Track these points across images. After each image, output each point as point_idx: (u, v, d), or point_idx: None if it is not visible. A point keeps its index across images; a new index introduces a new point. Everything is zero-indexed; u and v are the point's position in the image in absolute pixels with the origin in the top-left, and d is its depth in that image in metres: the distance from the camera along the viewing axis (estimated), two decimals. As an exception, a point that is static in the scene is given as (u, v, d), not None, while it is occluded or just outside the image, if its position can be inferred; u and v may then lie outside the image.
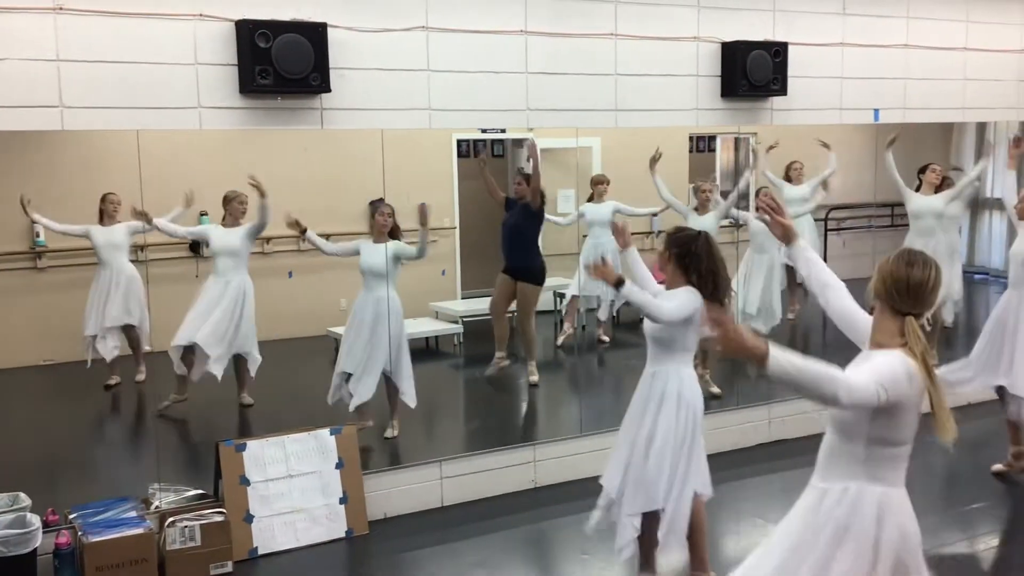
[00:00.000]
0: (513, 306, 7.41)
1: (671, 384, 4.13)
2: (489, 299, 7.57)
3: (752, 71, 5.91)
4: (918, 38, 6.67)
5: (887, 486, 2.81)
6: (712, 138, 9.63)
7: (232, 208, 6.46)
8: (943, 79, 6.83)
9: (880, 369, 2.68)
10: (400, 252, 6.02)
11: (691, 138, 9.26)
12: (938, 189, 7.83)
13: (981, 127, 10.15)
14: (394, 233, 6.10)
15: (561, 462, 5.86)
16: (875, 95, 6.60)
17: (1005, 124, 9.89)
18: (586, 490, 4.65)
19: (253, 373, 6.40)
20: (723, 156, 9.96)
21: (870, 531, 2.78)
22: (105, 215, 6.61)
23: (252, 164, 7.06)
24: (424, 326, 8.23)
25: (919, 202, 7.54)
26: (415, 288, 7.87)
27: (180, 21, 4.59)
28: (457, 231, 8.45)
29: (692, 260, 4.05)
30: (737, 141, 9.59)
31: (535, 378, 7.23)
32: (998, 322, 5.75)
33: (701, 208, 7.37)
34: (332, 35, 4.82)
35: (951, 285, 7.67)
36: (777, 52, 6.00)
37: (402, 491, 5.45)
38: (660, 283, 4.32)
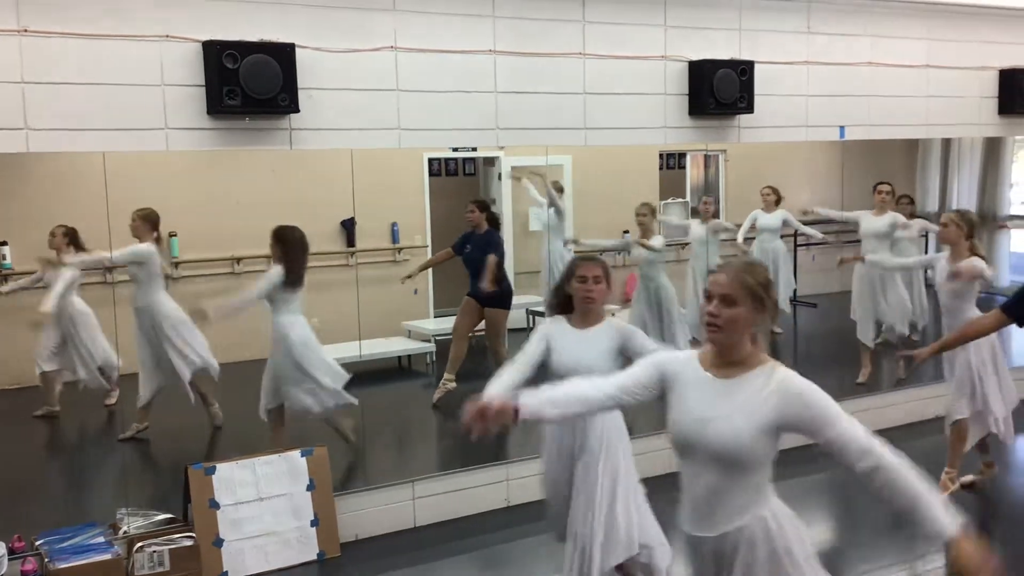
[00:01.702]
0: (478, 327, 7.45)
1: (604, 421, 3.90)
2: (446, 319, 7.62)
3: (719, 89, 5.97)
4: (881, 56, 6.75)
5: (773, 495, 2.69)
6: (682, 155, 9.71)
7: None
8: (906, 96, 6.92)
9: (834, 408, 2.56)
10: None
11: (661, 155, 9.34)
12: (900, 200, 7.92)
13: (946, 142, 10.32)
14: (285, 257, 5.87)
15: (534, 481, 5.84)
16: (840, 112, 6.67)
17: (970, 140, 10.07)
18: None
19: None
20: (693, 173, 10.05)
21: (805, 539, 2.68)
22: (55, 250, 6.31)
23: (221, 185, 7.05)
24: (396, 345, 8.22)
25: (864, 224, 7.58)
26: (387, 307, 7.88)
27: (146, 42, 4.57)
28: (429, 250, 8.45)
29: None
30: (707, 158, 9.68)
31: None
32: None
33: (704, 217, 8.19)
34: (300, 55, 4.81)
35: (903, 305, 7.72)
36: (743, 71, 6.06)
37: (374, 512, 5.42)
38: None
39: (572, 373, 3.47)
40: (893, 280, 7.63)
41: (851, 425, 2.50)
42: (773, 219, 8.43)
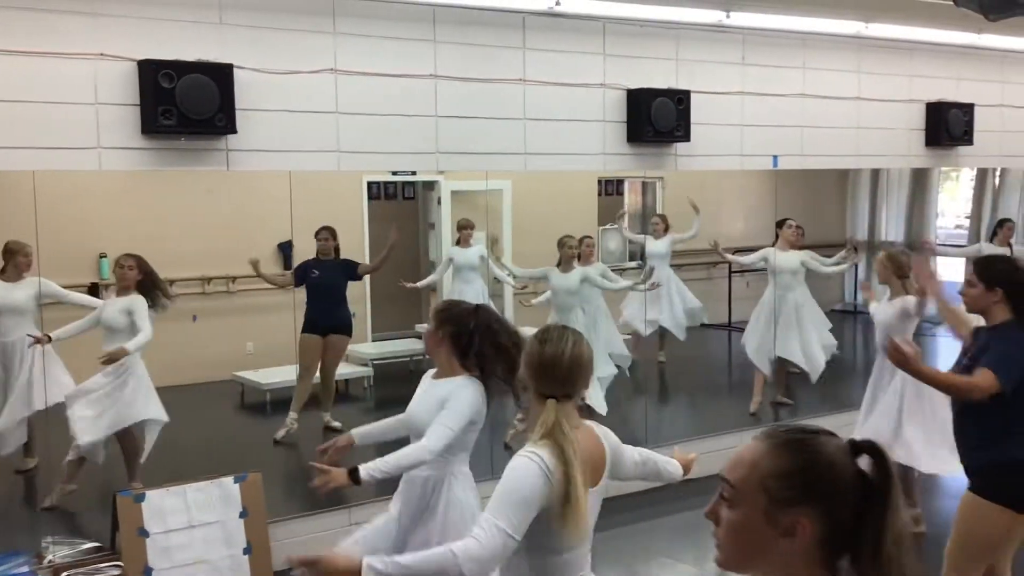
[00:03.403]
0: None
1: (453, 491, 3.49)
2: (391, 343, 7.53)
3: (656, 118, 6.06)
4: (813, 88, 6.93)
5: None
6: (620, 182, 9.84)
7: (16, 261, 5.92)
8: (838, 127, 7.10)
9: (504, 497, 2.43)
10: (131, 308, 5.64)
11: (600, 182, 9.45)
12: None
13: (875, 173, 10.62)
14: (144, 286, 5.73)
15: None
16: (774, 142, 6.82)
17: (898, 171, 10.37)
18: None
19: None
20: (631, 199, 10.18)
21: None
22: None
23: (154, 206, 6.93)
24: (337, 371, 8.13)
25: (778, 260, 7.70)
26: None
27: (80, 60, 4.49)
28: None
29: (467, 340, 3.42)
30: (644, 185, 9.82)
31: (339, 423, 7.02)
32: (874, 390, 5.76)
33: (656, 235, 8.45)
34: (239, 76, 4.77)
35: (809, 343, 7.79)
36: (680, 100, 6.17)
37: (310, 539, 5.32)
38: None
39: (407, 422, 3.53)
40: (800, 318, 7.71)
41: (485, 525, 2.41)
42: (661, 245, 8.61)
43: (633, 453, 2.97)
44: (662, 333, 8.91)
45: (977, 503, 3.69)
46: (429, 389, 3.51)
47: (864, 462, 1.50)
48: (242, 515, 5.07)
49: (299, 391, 6.95)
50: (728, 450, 6.57)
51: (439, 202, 8.77)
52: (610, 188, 9.87)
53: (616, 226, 9.46)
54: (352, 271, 7.13)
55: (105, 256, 6.87)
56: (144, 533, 4.80)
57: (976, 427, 3.67)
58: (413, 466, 3.40)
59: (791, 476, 1.48)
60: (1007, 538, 3.75)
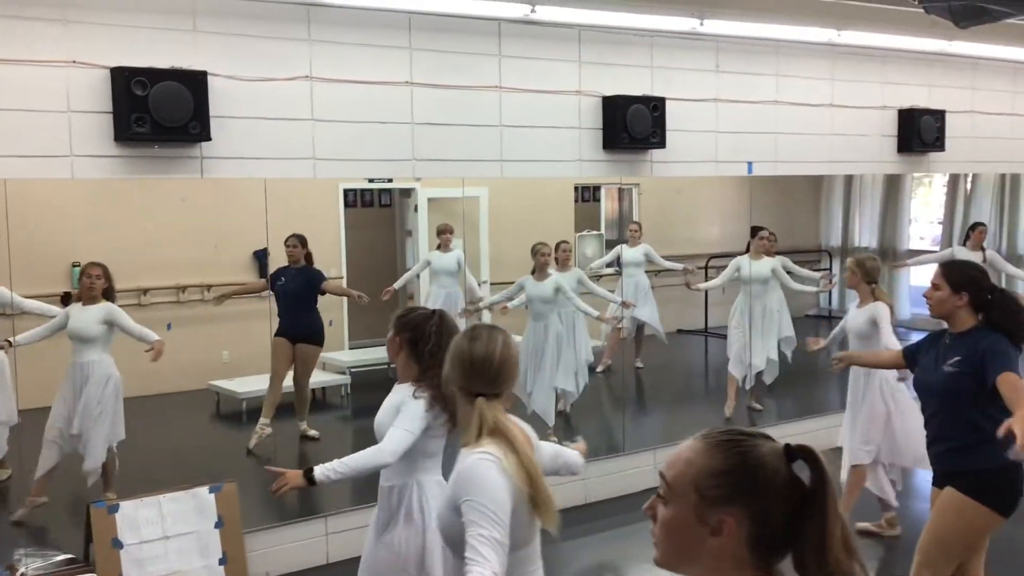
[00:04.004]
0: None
1: (414, 500, 3.41)
2: (368, 350, 7.46)
3: (632, 124, 6.09)
4: (787, 95, 6.98)
5: None
6: (596, 188, 9.86)
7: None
8: (811, 134, 7.16)
9: (485, 506, 2.36)
10: (111, 318, 5.64)
11: (576, 188, 9.47)
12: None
13: (848, 179, 10.70)
14: (108, 294, 5.70)
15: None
16: (748, 148, 6.86)
17: (871, 177, 10.45)
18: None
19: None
20: (607, 206, 10.21)
21: None
22: None
23: (128, 214, 6.88)
24: (311, 377, 8.08)
25: (750, 269, 7.76)
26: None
27: (52, 68, 4.45)
28: (344, 281, 8.37)
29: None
30: (621, 191, 9.86)
31: (315, 432, 7.06)
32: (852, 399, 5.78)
33: (632, 242, 8.41)
34: (213, 83, 4.75)
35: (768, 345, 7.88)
36: (655, 107, 6.20)
37: (286, 549, 5.30)
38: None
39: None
40: (771, 316, 7.79)
41: (484, 542, 2.32)
42: (636, 253, 8.64)
43: (548, 448, 3.02)
44: (638, 339, 8.94)
45: (963, 503, 3.71)
46: (391, 395, 3.51)
47: (800, 467, 1.51)
48: (217, 525, 5.03)
49: (269, 397, 6.88)
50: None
51: (416, 209, 8.76)
52: (587, 195, 9.90)
53: (590, 233, 9.48)
54: (319, 282, 7.05)
55: (78, 265, 6.80)
56: (118, 544, 4.76)
57: (963, 430, 3.68)
58: (370, 469, 3.35)
59: (721, 475, 1.49)
60: (984, 539, 3.80)
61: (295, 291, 6.88)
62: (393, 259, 9.01)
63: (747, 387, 7.78)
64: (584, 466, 3.24)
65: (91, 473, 5.66)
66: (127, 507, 4.85)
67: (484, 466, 2.43)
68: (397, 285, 8.05)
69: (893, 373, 5.29)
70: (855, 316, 5.60)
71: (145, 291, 7.26)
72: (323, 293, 7.06)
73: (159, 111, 4.53)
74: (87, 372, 5.64)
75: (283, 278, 6.96)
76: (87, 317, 5.64)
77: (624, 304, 7.76)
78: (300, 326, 6.94)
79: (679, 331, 9.88)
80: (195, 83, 4.66)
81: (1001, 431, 3.27)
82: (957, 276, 3.80)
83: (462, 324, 7.79)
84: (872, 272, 5.53)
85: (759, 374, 7.85)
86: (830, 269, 10.42)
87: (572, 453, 3.18)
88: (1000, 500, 3.69)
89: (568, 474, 3.19)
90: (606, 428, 7.78)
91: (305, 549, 5.37)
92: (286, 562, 5.29)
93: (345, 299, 7.83)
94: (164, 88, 4.55)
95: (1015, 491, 3.74)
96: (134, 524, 4.83)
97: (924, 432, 4.00)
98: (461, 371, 2.61)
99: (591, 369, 7.96)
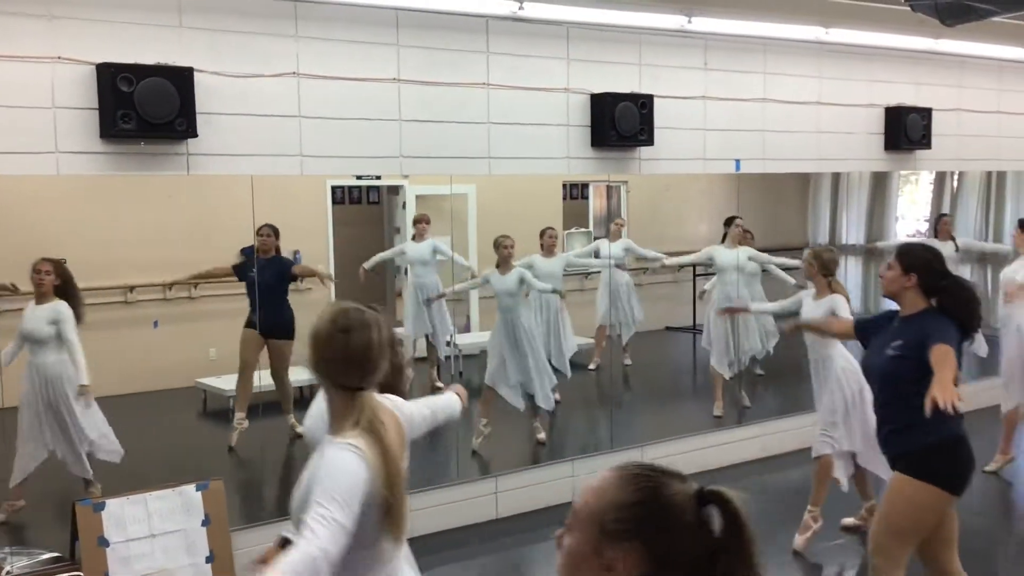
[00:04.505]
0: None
1: None
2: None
3: (620, 122, 6.09)
4: (774, 92, 7.00)
5: None
6: (585, 186, 9.87)
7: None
8: (799, 131, 7.18)
9: (332, 491, 2.23)
10: (55, 318, 5.44)
11: (564, 185, 9.47)
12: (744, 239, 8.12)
13: (836, 176, 10.74)
14: (64, 292, 5.51)
15: (440, 511, 5.80)
16: (736, 146, 6.88)
17: (858, 175, 10.50)
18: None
19: None
20: (596, 203, 10.22)
21: None
22: None
23: (114, 211, 6.85)
24: (296, 375, 8.06)
25: (723, 256, 7.74)
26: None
27: (37, 64, 4.42)
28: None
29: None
30: (609, 188, 9.86)
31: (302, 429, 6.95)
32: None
33: (613, 237, 8.36)
34: (199, 79, 4.73)
35: (752, 337, 7.91)
36: (643, 104, 6.20)
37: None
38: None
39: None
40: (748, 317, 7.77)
41: (318, 520, 2.20)
42: (616, 248, 8.63)
43: (422, 409, 2.85)
44: (620, 335, 8.94)
45: (908, 484, 3.71)
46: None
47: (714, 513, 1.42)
48: (204, 523, 5.01)
49: (240, 391, 6.77)
50: (694, 452, 6.64)
51: (404, 206, 8.75)
52: (575, 192, 9.90)
53: (579, 230, 9.49)
54: (287, 268, 6.92)
55: (64, 262, 6.77)
56: (104, 542, 4.73)
57: (905, 412, 3.66)
58: None
59: (624, 508, 1.41)
60: (936, 521, 3.77)
61: (266, 282, 6.69)
62: (381, 257, 8.99)
63: (741, 378, 7.79)
64: (462, 409, 3.10)
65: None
66: (113, 505, 4.83)
67: (344, 454, 2.29)
68: (367, 265, 7.97)
69: (854, 364, 5.31)
70: (812, 309, 5.52)
71: (132, 288, 7.23)
72: (295, 278, 6.92)
73: (145, 107, 4.51)
74: (43, 374, 5.47)
75: (254, 269, 6.74)
76: (37, 316, 5.44)
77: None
78: (271, 319, 6.77)
79: (667, 328, 9.91)
80: (181, 79, 4.64)
81: (928, 408, 3.29)
82: (909, 257, 3.83)
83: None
84: (829, 264, 5.48)
85: (750, 362, 7.85)
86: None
87: (443, 398, 3.03)
88: (944, 477, 3.68)
89: (447, 419, 3.03)
90: (594, 425, 7.79)
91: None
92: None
93: (333, 297, 7.81)
94: (150, 84, 4.53)
95: (960, 467, 3.73)
96: (120, 522, 4.81)
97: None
98: (335, 365, 2.38)
99: (584, 367, 7.97)
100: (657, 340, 9.23)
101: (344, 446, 2.31)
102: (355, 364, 2.37)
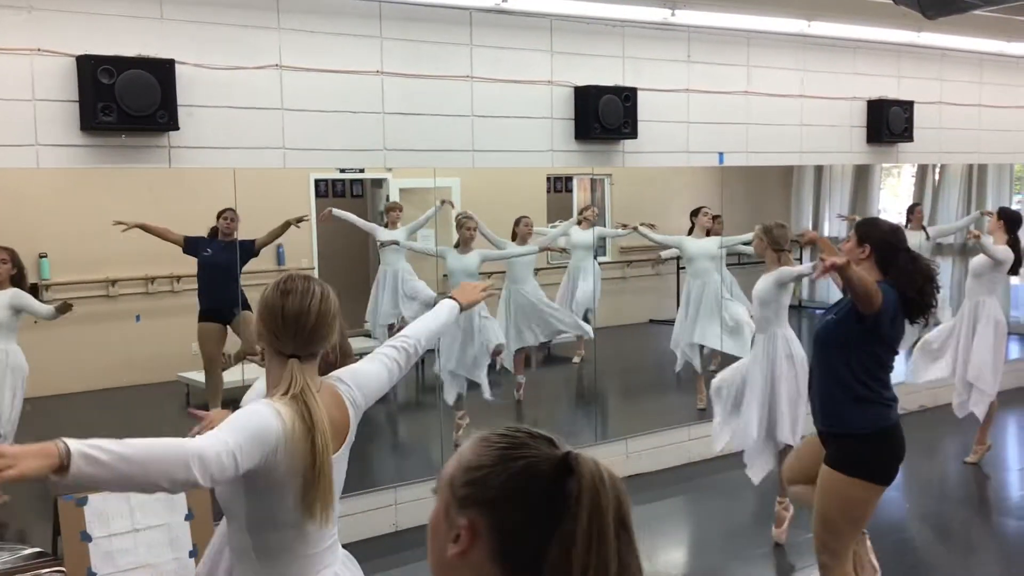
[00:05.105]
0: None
1: None
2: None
3: (604, 115, 6.09)
4: (758, 85, 7.01)
5: None
6: (569, 179, 9.86)
7: None
8: (782, 124, 7.20)
9: (236, 424, 2.16)
10: (18, 303, 5.48)
11: (548, 179, 9.46)
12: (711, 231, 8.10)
13: (818, 169, 10.79)
14: (18, 281, 5.54)
15: (427, 504, 5.80)
16: (719, 139, 6.89)
17: (840, 167, 10.54)
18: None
19: None
20: (580, 196, 10.22)
21: None
22: None
23: (95, 204, 6.80)
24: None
25: (692, 246, 7.74)
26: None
27: (16, 56, 4.39)
28: (316, 271, 8.32)
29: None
30: (593, 182, 9.86)
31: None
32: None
33: (584, 224, 8.27)
34: (180, 72, 4.70)
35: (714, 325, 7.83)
36: (627, 97, 6.21)
37: (257, 541, 5.27)
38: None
39: None
40: (716, 299, 7.72)
41: (212, 433, 2.16)
42: (586, 236, 8.55)
43: (383, 362, 2.66)
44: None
45: (837, 479, 3.72)
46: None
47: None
48: (188, 517, 4.99)
49: (211, 385, 6.65)
50: (678, 444, 6.64)
51: (387, 199, 8.72)
52: (559, 185, 9.89)
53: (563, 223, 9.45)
54: (249, 247, 6.71)
55: (45, 256, 6.72)
56: (87, 537, 4.71)
57: (835, 386, 3.68)
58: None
59: (473, 470, 1.29)
60: (870, 512, 3.81)
61: (222, 264, 6.48)
62: (365, 250, 8.96)
63: (699, 370, 7.76)
64: (457, 312, 2.96)
65: None
66: (96, 500, 4.81)
67: (259, 407, 2.23)
68: (338, 213, 7.79)
69: (800, 351, 5.33)
70: (761, 281, 5.46)
71: (113, 282, 7.18)
72: (258, 252, 6.71)
73: (126, 100, 4.48)
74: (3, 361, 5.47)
75: (209, 249, 6.58)
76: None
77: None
78: (225, 304, 6.57)
79: (651, 321, 9.92)
80: (162, 71, 4.61)
81: (815, 274, 3.44)
82: (865, 229, 3.86)
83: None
84: (779, 239, 5.38)
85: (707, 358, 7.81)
86: (800, 259, 10.43)
87: (427, 316, 2.91)
88: (870, 470, 3.70)
89: (440, 331, 2.93)
90: (577, 418, 7.81)
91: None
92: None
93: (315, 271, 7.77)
94: (131, 76, 4.50)
95: (888, 457, 3.75)
96: (103, 517, 4.79)
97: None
98: (272, 329, 2.32)
99: (567, 360, 7.98)
100: (641, 333, 9.24)
101: (263, 403, 2.26)
102: (288, 329, 2.31)
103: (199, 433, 2.45)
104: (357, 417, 2.51)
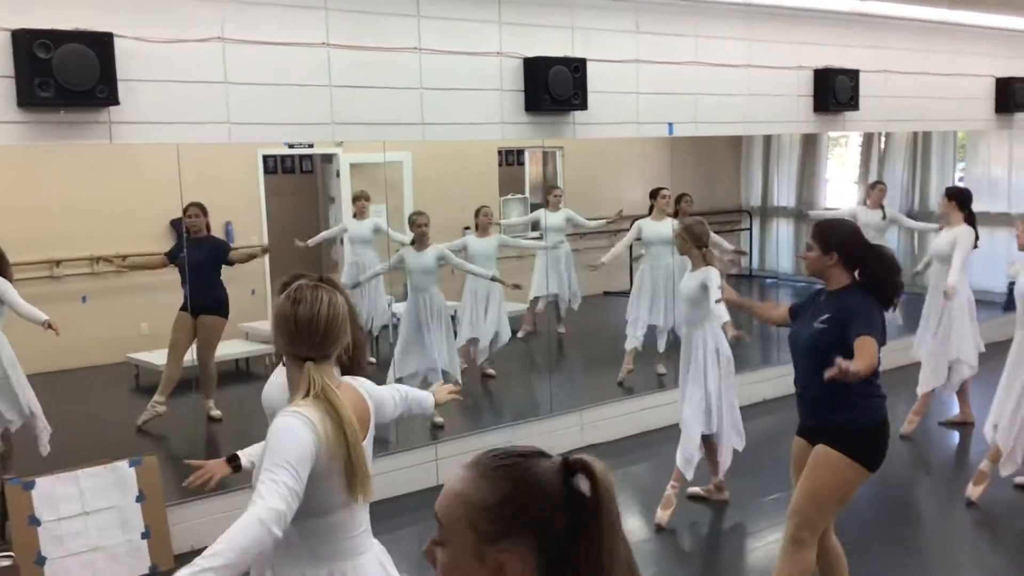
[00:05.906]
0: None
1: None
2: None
3: (554, 86, 6.06)
4: (705, 55, 7.02)
5: (339, 560, 2.57)
6: (520, 152, 9.85)
7: None
8: (729, 94, 7.23)
9: (280, 455, 2.37)
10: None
11: (500, 152, 9.44)
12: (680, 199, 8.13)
13: (767, 139, 10.89)
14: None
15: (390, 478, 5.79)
16: (669, 109, 6.90)
17: (788, 137, 10.64)
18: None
19: None
20: (532, 169, 10.21)
21: None
22: None
23: (34, 183, 6.65)
24: (234, 347, 7.96)
25: (651, 229, 7.82)
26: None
27: (-54, 29, 4.25)
28: (267, 240, 8.22)
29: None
30: (545, 154, 9.86)
31: (218, 412, 6.79)
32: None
33: (552, 208, 8.42)
34: (120, 45, 4.58)
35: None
36: (577, 68, 6.18)
37: (210, 521, 5.21)
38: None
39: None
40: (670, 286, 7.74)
41: (265, 483, 2.35)
42: (557, 218, 8.59)
43: (393, 393, 3.01)
44: (557, 304, 8.98)
45: (837, 459, 3.79)
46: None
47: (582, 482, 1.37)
48: (139, 499, 4.94)
49: (167, 372, 6.59)
50: (635, 413, 6.69)
51: (338, 175, 8.64)
52: (511, 158, 9.88)
53: (515, 197, 9.48)
54: (224, 254, 6.75)
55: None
56: (35, 521, 4.64)
57: (831, 386, 3.65)
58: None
59: (497, 507, 1.33)
60: (852, 495, 3.92)
61: (198, 262, 6.48)
62: (316, 226, 8.87)
63: (660, 349, 7.83)
64: (433, 406, 3.23)
65: None
66: (43, 484, 4.73)
67: (289, 420, 2.43)
68: (311, 242, 7.93)
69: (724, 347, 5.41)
70: (687, 280, 5.46)
71: (58, 263, 7.04)
72: (231, 263, 6.73)
73: (64, 75, 4.36)
74: None
75: (183, 250, 6.54)
76: None
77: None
78: (202, 298, 6.58)
79: (605, 293, 9.97)
80: (101, 45, 4.49)
81: (828, 372, 3.41)
82: (827, 236, 3.86)
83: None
84: (701, 236, 5.38)
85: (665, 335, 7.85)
86: (750, 229, 10.58)
87: (420, 393, 3.19)
88: (867, 457, 3.81)
89: (420, 412, 3.22)
90: (531, 390, 7.84)
91: (229, 521, 5.29)
92: (211, 535, 5.18)
93: (268, 268, 7.69)
94: (68, 51, 4.37)
95: (881, 449, 3.88)
96: (52, 501, 4.72)
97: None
98: (287, 336, 2.55)
99: (513, 333, 7.99)
100: (595, 305, 9.27)
101: (290, 412, 2.45)
102: (302, 335, 2.53)
103: (192, 484, 3.01)
104: (376, 412, 2.75)
